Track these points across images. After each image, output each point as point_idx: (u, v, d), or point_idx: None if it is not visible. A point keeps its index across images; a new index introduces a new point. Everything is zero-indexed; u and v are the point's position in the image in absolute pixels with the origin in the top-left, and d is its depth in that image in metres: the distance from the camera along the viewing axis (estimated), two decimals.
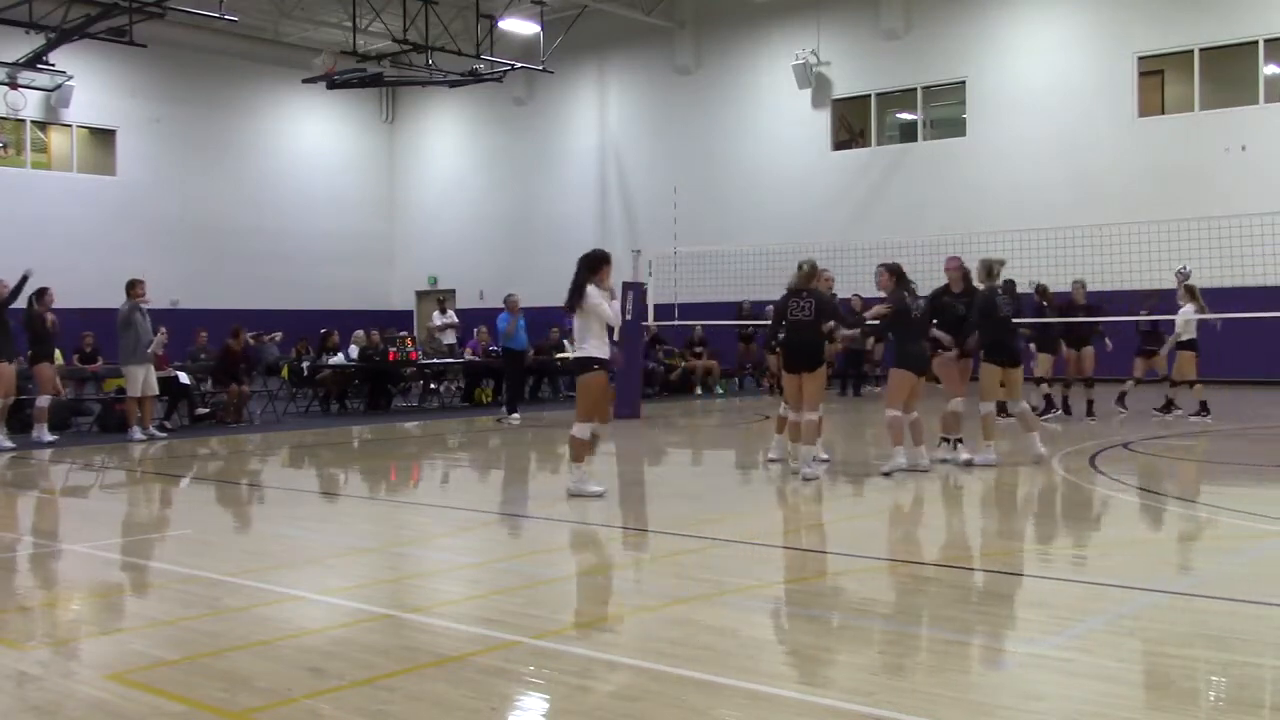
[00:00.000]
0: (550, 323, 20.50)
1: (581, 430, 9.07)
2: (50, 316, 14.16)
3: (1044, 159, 23.56)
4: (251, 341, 19.27)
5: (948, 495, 9.46)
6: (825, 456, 10.68)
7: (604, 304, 9.00)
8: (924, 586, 6.06)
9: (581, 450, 9.08)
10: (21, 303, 14.05)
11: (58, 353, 15.80)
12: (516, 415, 16.51)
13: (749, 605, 5.64)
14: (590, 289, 9.00)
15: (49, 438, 14.11)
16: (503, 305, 16.85)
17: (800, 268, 10.10)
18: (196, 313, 25.39)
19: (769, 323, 22.95)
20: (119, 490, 10.79)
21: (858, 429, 15.23)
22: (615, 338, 10.35)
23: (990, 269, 10.63)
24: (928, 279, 21.36)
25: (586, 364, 9.08)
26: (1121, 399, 15.59)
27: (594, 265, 9.12)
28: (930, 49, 25.28)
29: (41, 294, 14.22)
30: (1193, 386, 14.83)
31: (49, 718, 4.16)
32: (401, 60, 27.60)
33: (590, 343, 9.04)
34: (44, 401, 14.22)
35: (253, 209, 31.12)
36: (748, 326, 23.50)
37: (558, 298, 9.56)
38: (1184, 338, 14.95)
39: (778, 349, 10.65)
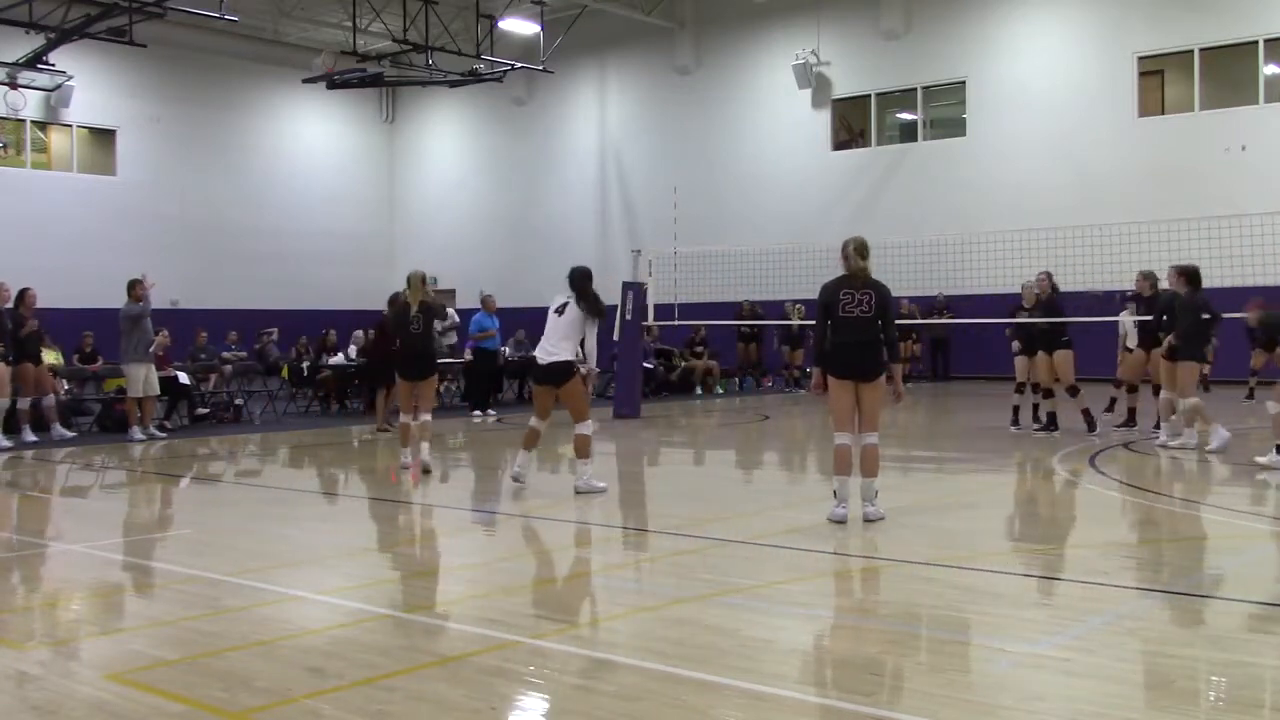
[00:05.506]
0: None
1: (587, 427, 9.34)
2: (32, 323, 14.09)
3: (1044, 159, 23.56)
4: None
5: (950, 496, 9.46)
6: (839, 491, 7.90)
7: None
8: (924, 586, 6.05)
9: (589, 447, 9.31)
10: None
11: (58, 353, 15.78)
12: (478, 414, 17.20)
13: (749, 605, 5.64)
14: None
15: (31, 438, 14.00)
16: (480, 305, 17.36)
17: (856, 249, 7.79)
18: (197, 313, 25.39)
19: (766, 322, 23.42)
20: (119, 490, 10.79)
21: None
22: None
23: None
24: (928, 279, 21.62)
25: (570, 368, 9.30)
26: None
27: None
28: (930, 49, 25.28)
29: (23, 295, 14.18)
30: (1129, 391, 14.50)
31: (49, 718, 4.16)
32: (401, 60, 27.62)
33: (565, 347, 9.28)
34: (24, 404, 14.13)
35: (253, 209, 31.13)
36: (748, 326, 23.52)
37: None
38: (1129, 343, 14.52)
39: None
